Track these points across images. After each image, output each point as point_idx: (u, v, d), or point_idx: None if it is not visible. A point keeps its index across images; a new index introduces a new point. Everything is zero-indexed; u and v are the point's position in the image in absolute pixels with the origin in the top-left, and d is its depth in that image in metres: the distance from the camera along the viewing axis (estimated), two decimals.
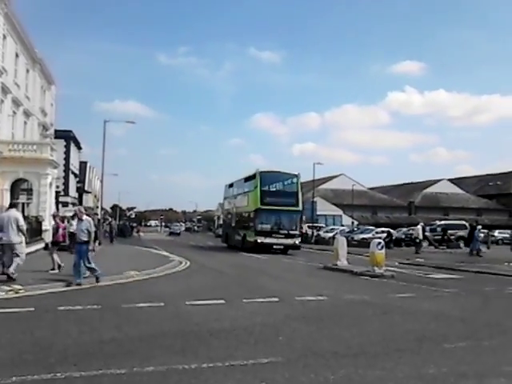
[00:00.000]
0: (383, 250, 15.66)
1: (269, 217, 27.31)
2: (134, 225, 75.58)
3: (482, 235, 32.79)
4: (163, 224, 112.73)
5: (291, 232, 27.32)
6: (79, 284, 11.18)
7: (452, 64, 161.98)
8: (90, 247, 11.70)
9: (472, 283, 14.05)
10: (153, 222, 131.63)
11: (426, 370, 5.12)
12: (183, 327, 7.12)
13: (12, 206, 13.30)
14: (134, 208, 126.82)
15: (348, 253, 19.34)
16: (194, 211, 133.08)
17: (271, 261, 21.95)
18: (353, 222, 58.61)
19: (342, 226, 52.91)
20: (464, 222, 43.79)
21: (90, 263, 11.58)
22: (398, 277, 14.81)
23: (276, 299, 9.76)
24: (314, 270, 17.46)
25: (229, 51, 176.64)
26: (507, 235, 43.82)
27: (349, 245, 29.00)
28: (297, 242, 27.43)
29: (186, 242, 42.16)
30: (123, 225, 62.75)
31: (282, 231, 27.01)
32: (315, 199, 48.30)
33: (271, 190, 28.19)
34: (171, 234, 73.40)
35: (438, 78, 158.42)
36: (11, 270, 11.13)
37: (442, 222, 36.11)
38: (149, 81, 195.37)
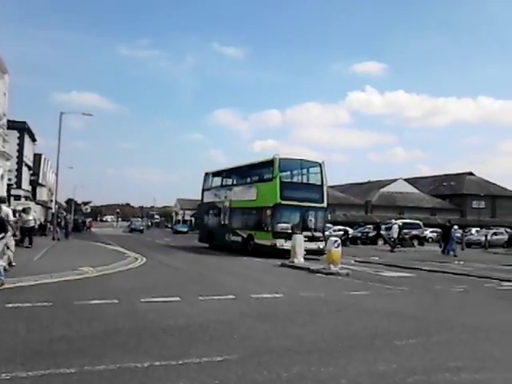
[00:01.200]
0: (339, 248, 15.88)
1: (290, 215, 22.04)
2: (89, 220, 71.83)
3: (458, 235, 33.59)
4: (119, 219, 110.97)
5: (316, 234, 22.02)
6: None
7: (412, 66, 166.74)
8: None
9: (424, 281, 14.42)
10: (109, 218, 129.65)
11: (376, 367, 5.22)
12: (137, 325, 7.01)
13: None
14: (90, 202, 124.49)
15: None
16: (152, 207, 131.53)
17: (227, 258, 21.93)
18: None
19: None
20: (418, 222, 44.97)
21: None
22: (353, 275, 15.06)
23: (232, 296, 9.75)
24: (272, 268, 17.55)
25: (192, 45, 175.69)
26: (459, 234, 45.27)
27: None
28: (321, 247, 21.04)
29: (144, 239, 41.63)
30: (77, 220, 61.03)
31: (305, 233, 20.71)
32: None
33: (293, 181, 23.77)
34: (132, 230, 64.99)
35: (398, 79, 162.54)
36: None
37: (399, 221, 37.02)
38: (109, 72, 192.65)
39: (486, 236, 39.04)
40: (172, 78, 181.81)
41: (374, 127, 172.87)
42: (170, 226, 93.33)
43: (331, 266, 15.51)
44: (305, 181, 23.62)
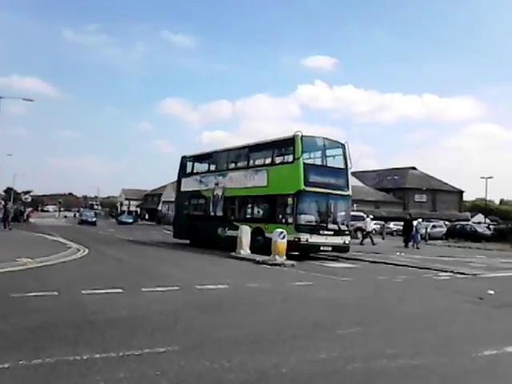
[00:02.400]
0: (285, 240, 16.04)
1: (315, 204, 18.80)
2: (29, 209, 68.19)
3: (423, 230, 34.42)
4: (62, 209, 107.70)
5: (341, 227, 19.17)
6: None
7: (362, 61, 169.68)
8: None
9: (367, 272, 14.82)
10: (51, 207, 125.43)
11: (318, 355, 5.31)
12: (77, 317, 6.82)
13: None
14: (31, 192, 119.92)
15: None
16: (96, 197, 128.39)
17: (173, 249, 21.72)
18: None
19: None
20: (362, 214, 46.06)
21: None
22: (298, 266, 15.26)
23: (177, 288, 9.66)
24: (218, 259, 17.53)
25: (141, 32, 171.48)
26: (401, 227, 46.73)
27: None
28: (347, 242, 19.10)
29: (87, 230, 40.61)
30: (16, 209, 58.00)
31: (330, 226, 18.60)
32: None
33: (317, 164, 20.07)
34: (83, 222, 53.58)
35: (348, 74, 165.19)
36: None
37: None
38: (52, 57, 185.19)
39: (426, 228, 40.50)
40: (120, 66, 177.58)
41: (322, 121, 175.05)
42: (114, 215, 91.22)
43: (277, 257, 15.67)
44: (328, 164, 19.99)
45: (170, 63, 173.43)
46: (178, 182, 26.50)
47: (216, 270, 13.94)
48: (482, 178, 62.67)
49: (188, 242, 24.19)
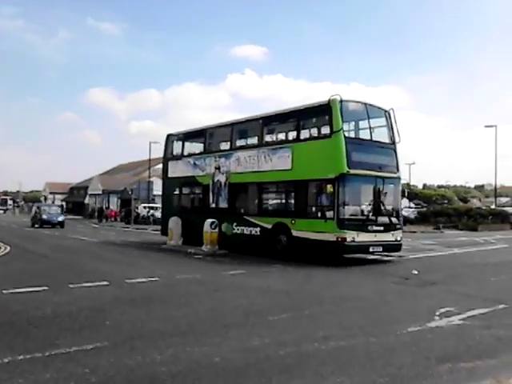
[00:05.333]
0: (217, 229, 16.00)
1: (362, 191, 14.45)
2: None
3: None
4: None
5: (393, 220, 14.56)
6: None
7: (291, 51, 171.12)
8: None
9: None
10: None
11: (250, 343, 5.36)
12: None
13: None
14: None
15: None
16: (18, 191, 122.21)
17: (103, 242, 21.15)
18: None
19: None
20: None
21: None
22: (230, 255, 15.28)
23: (106, 283, 9.40)
24: (149, 251, 17.25)
25: (63, 18, 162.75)
26: None
27: None
28: (399, 239, 14.52)
29: (8, 226, 38.56)
30: None
31: (380, 219, 14.12)
32: (152, 179, 47.56)
33: (361, 138, 14.99)
34: (43, 223, 34.91)
35: (277, 63, 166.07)
36: None
37: None
38: None
39: None
40: (40, 53, 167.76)
41: (253, 110, 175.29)
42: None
43: (209, 246, 15.62)
44: (374, 138, 14.84)
45: (94, 51, 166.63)
46: (165, 165, 21.47)
47: (146, 263, 13.70)
48: (406, 163, 65.42)
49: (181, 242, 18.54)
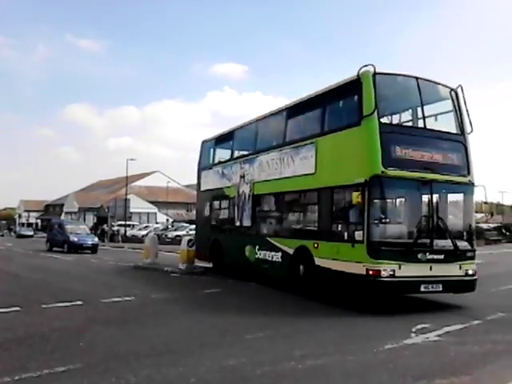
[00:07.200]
0: (193, 248, 15.88)
1: (406, 202, 10.42)
2: None
3: None
4: None
5: (460, 245, 9.59)
6: None
7: (270, 69, 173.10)
8: None
9: None
10: None
11: (226, 362, 5.31)
12: None
13: None
14: None
15: (160, 250, 19.32)
16: None
17: (77, 261, 20.79)
18: (167, 220, 58.72)
19: (157, 223, 52.83)
20: None
21: None
22: (208, 273, 15.15)
23: (80, 302, 9.21)
24: (124, 270, 17.00)
25: (42, 34, 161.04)
26: None
27: (163, 242, 29.20)
28: (470, 272, 9.57)
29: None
30: None
31: (438, 242, 9.38)
32: (129, 196, 47.18)
33: (406, 125, 11.01)
34: (71, 248, 26.86)
35: (256, 81, 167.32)
36: None
37: None
38: None
39: None
40: (18, 69, 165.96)
41: (232, 126, 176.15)
42: (13, 229, 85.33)
43: (186, 265, 15.49)
44: (428, 126, 10.16)
45: (74, 67, 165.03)
46: (198, 177, 17.72)
47: (122, 282, 13.48)
48: None
49: (211, 265, 15.69)
